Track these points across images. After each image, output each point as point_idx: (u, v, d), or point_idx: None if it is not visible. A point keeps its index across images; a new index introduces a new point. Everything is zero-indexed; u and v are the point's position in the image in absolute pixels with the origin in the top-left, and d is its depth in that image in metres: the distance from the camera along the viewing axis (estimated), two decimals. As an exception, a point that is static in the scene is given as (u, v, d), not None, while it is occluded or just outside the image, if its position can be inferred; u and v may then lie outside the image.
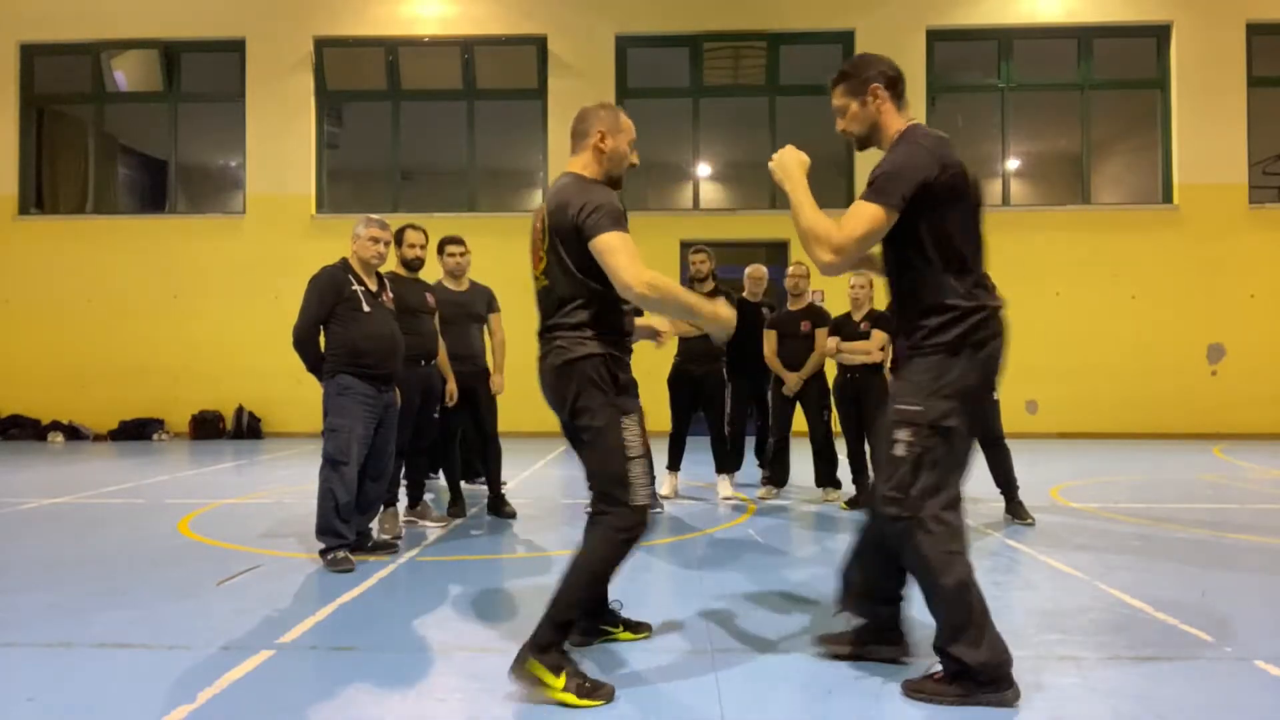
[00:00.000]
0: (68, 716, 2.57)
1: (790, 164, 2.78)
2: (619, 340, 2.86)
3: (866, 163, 2.84)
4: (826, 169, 13.20)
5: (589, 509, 2.84)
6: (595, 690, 2.63)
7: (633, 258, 2.68)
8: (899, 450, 2.61)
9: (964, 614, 2.58)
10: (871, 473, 5.76)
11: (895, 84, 2.74)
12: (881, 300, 6.45)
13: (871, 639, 2.95)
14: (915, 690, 2.64)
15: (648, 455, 2.81)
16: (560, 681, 2.60)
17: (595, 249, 2.71)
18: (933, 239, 2.62)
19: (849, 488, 6.49)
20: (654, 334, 3.44)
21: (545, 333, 2.88)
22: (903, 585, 2.88)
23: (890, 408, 2.68)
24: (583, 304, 2.79)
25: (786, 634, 3.32)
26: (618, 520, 2.73)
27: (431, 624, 3.48)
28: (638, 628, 3.27)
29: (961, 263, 2.66)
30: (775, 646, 3.18)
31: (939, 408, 2.58)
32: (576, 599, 2.71)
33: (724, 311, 2.89)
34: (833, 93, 2.79)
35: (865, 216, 2.55)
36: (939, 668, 2.67)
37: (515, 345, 7.04)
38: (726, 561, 4.56)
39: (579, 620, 2.84)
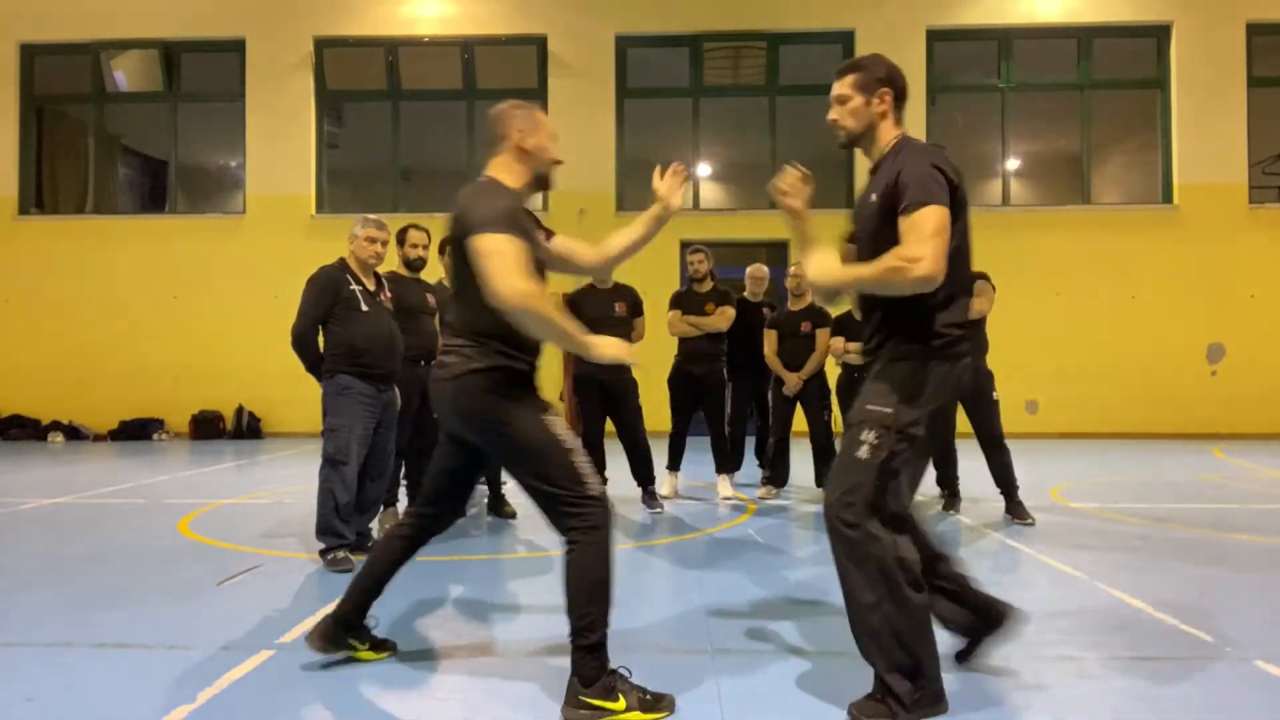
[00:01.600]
0: (68, 716, 2.57)
1: (829, 268, 2.61)
2: (522, 348, 2.72)
3: (867, 166, 2.79)
4: (826, 169, 13.21)
5: None
6: (659, 701, 2.59)
7: (511, 267, 2.53)
8: (862, 452, 2.52)
9: (915, 620, 2.49)
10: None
11: (902, 95, 2.71)
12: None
13: (978, 626, 2.86)
14: (862, 714, 2.51)
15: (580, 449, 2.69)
16: (621, 704, 2.54)
17: (472, 249, 2.58)
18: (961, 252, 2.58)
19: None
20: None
21: (449, 344, 2.75)
22: (953, 565, 2.82)
23: (859, 408, 2.60)
24: (481, 311, 2.63)
25: (786, 634, 3.32)
26: (589, 518, 2.60)
27: (431, 624, 3.48)
28: (381, 646, 3.06)
29: (954, 279, 2.56)
30: (775, 647, 3.18)
31: (910, 414, 2.52)
32: (592, 619, 2.57)
33: (602, 348, 2.68)
34: (840, 80, 2.71)
35: (924, 225, 2.43)
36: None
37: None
38: (726, 561, 4.56)
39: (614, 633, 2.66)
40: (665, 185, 3.01)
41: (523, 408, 2.68)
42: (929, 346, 2.57)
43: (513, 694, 2.73)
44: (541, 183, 2.89)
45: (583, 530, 2.60)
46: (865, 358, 2.76)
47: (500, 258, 2.54)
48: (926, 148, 2.61)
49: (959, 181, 2.55)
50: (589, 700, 2.54)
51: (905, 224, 2.48)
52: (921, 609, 2.53)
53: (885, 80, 2.68)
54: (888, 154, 2.67)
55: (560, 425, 2.69)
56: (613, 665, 2.61)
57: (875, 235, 2.59)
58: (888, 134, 2.69)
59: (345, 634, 2.96)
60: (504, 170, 2.82)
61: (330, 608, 3.01)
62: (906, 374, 2.57)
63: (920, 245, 2.42)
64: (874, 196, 2.62)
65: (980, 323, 5.76)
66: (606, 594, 2.61)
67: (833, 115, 2.73)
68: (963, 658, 2.93)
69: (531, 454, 2.64)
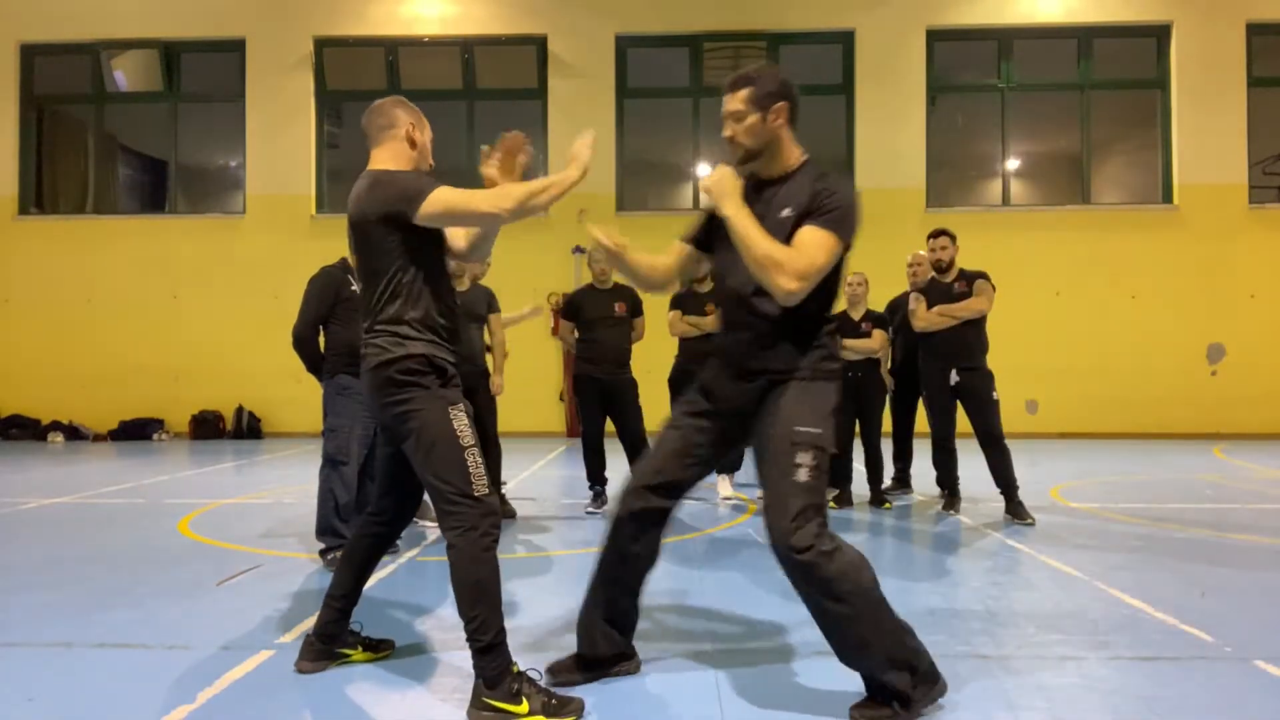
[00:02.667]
0: (68, 716, 2.57)
1: (728, 186, 2.61)
2: (440, 333, 2.74)
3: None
4: (829, 169, 13.17)
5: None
6: (564, 705, 2.53)
7: (473, 193, 2.62)
8: (802, 476, 2.48)
9: (890, 618, 2.49)
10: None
11: (795, 109, 2.67)
12: (876, 300, 6.50)
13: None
14: (865, 717, 2.49)
15: (479, 447, 2.69)
16: (524, 707, 2.49)
17: (430, 214, 2.62)
18: (831, 276, 2.59)
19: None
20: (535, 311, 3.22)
21: (365, 336, 2.76)
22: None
23: (787, 430, 2.53)
24: (393, 300, 2.69)
25: (786, 634, 3.32)
26: (465, 519, 2.58)
27: (431, 624, 3.48)
28: (378, 646, 3.06)
29: (831, 301, 2.67)
30: (775, 647, 3.18)
31: (831, 432, 2.56)
32: (481, 620, 2.54)
33: (574, 168, 2.67)
34: (732, 94, 2.63)
35: (827, 247, 2.49)
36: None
37: (515, 346, 7.03)
38: (726, 561, 4.56)
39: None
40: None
41: (430, 399, 2.66)
42: (833, 367, 2.64)
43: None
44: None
45: (459, 531, 2.59)
46: (750, 377, 2.65)
47: (461, 196, 2.62)
48: (847, 181, 2.64)
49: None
50: (492, 703, 2.51)
51: (810, 235, 2.51)
52: (887, 605, 2.52)
53: (779, 94, 2.62)
54: (796, 171, 2.64)
55: (463, 421, 2.68)
56: (522, 667, 2.61)
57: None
58: (792, 152, 2.66)
59: (331, 646, 2.95)
60: (392, 160, 2.85)
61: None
62: (827, 392, 2.60)
63: (809, 264, 2.48)
64: (787, 211, 2.57)
65: (980, 322, 5.77)
66: (491, 595, 2.57)
67: (727, 132, 2.66)
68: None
69: (428, 445, 2.63)
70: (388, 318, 2.71)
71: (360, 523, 3.03)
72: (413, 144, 2.87)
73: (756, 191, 2.66)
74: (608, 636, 2.82)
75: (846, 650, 2.53)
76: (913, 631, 2.56)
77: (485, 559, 2.58)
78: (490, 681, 2.53)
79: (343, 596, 2.94)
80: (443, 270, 2.84)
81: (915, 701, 2.49)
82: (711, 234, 2.75)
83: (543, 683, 2.66)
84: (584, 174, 2.72)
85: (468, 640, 2.57)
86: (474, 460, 2.63)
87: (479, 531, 2.59)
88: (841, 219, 2.53)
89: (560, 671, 2.79)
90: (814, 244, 2.50)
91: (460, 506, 2.60)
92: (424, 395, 2.66)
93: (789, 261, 2.47)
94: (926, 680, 2.53)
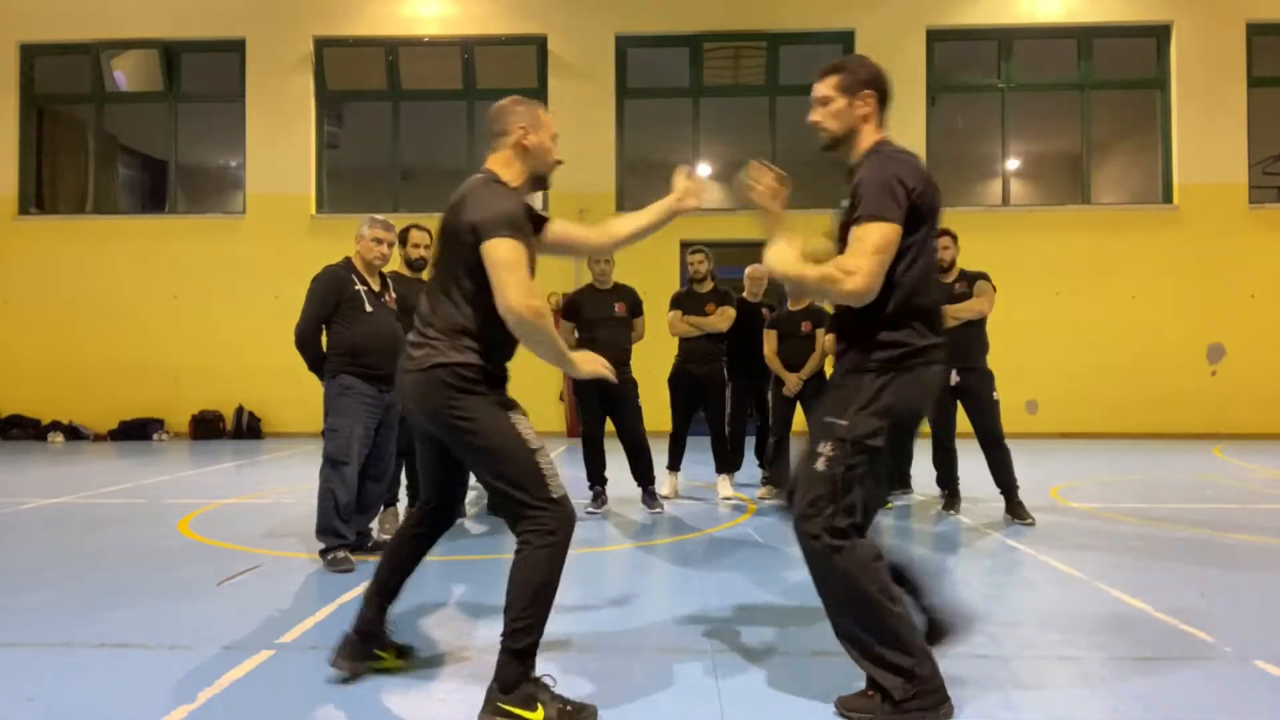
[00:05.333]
0: (68, 716, 2.57)
1: (783, 258, 2.58)
2: (497, 349, 2.67)
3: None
4: (829, 169, 13.20)
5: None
6: (579, 713, 2.50)
7: (524, 279, 2.54)
8: (820, 465, 2.50)
9: (894, 625, 2.47)
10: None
11: (885, 99, 2.66)
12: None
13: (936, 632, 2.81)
14: (848, 709, 2.53)
15: (546, 449, 2.65)
16: (539, 714, 2.45)
17: (487, 256, 2.54)
18: (900, 258, 2.49)
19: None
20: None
21: (419, 335, 2.70)
22: (910, 572, 2.79)
23: (818, 420, 2.57)
24: (458, 306, 2.64)
25: (786, 634, 3.32)
26: (546, 522, 2.54)
27: (431, 624, 3.48)
28: (403, 652, 3.02)
29: (913, 289, 2.53)
30: (775, 647, 3.18)
31: (868, 425, 2.49)
32: (529, 623, 2.50)
33: (586, 365, 2.73)
34: (822, 80, 2.64)
35: (871, 237, 2.42)
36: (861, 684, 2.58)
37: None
38: (726, 561, 4.55)
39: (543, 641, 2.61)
40: (688, 185, 2.92)
41: (487, 404, 2.61)
42: (885, 359, 2.53)
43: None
44: (539, 182, 2.84)
45: (538, 533, 2.54)
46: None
47: (516, 269, 2.53)
48: (894, 156, 2.55)
49: (925, 190, 2.50)
50: (507, 708, 2.46)
51: (852, 234, 2.49)
52: (897, 612, 2.49)
53: (869, 82, 2.61)
54: (862, 159, 2.61)
55: (525, 425, 2.63)
56: (538, 673, 2.55)
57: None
58: (868, 138, 2.63)
59: (369, 646, 2.89)
60: (504, 166, 2.77)
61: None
62: (863, 385, 2.53)
63: (859, 259, 2.43)
64: (847, 201, 2.60)
65: (980, 323, 5.77)
66: (548, 600, 2.55)
67: (814, 116, 2.66)
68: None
69: (494, 453, 2.58)
70: (449, 325, 2.64)
71: (412, 517, 2.95)
72: (524, 150, 2.77)
73: (848, 179, 2.65)
74: None
75: (840, 637, 2.57)
76: (927, 655, 2.51)
77: (556, 563, 2.54)
78: (506, 686, 2.48)
79: (387, 594, 2.89)
80: None
81: (901, 708, 2.46)
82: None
83: (555, 689, 2.59)
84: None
85: (505, 638, 2.50)
86: (546, 462, 2.59)
87: (559, 536, 2.54)
88: (874, 202, 2.45)
89: None
90: (858, 238, 2.47)
91: (539, 510, 2.54)
92: (479, 401, 2.60)
93: (838, 266, 2.45)
94: (926, 694, 2.48)
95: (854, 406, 2.51)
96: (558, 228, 2.93)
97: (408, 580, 2.93)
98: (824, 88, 2.64)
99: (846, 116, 2.62)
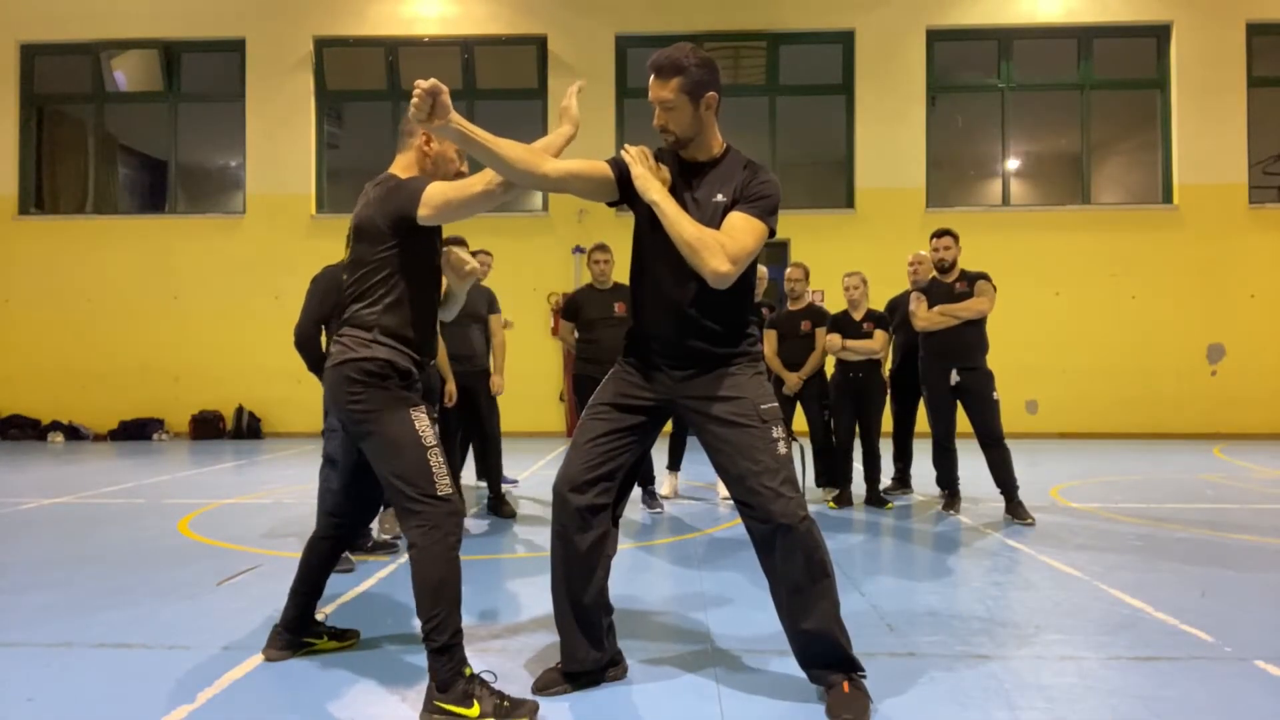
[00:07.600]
0: (68, 716, 2.57)
1: (657, 175, 2.63)
2: (410, 345, 2.76)
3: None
4: (828, 169, 13.21)
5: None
6: (517, 708, 2.52)
7: (463, 183, 2.67)
8: (781, 449, 2.60)
9: (836, 604, 2.62)
10: (860, 469, 5.76)
11: (720, 98, 2.65)
12: (876, 299, 6.50)
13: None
14: (847, 712, 2.49)
15: (441, 447, 2.71)
16: (475, 710, 2.48)
17: (427, 209, 2.66)
18: (750, 266, 2.65)
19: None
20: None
21: (336, 334, 2.81)
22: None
23: (754, 410, 2.61)
24: (372, 304, 2.74)
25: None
26: (430, 518, 2.59)
27: (431, 624, 3.47)
28: (343, 635, 3.16)
29: (752, 290, 2.79)
30: (775, 647, 3.18)
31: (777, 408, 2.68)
32: (438, 621, 2.54)
33: (567, 124, 2.93)
34: (663, 83, 2.57)
35: (757, 233, 2.56)
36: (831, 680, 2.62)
37: (515, 346, 7.04)
38: (726, 561, 4.55)
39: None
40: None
41: (390, 400, 2.68)
42: (757, 350, 2.77)
43: (513, 693, 2.72)
44: None
45: (423, 530, 2.60)
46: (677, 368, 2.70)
47: (454, 187, 2.67)
48: (767, 169, 2.71)
49: None
50: (444, 706, 2.50)
51: (741, 220, 2.56)
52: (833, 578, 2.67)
53: (710, 83, 2.60)
54: (721, 158, 2.68)
55: (424, 422, 2.70)
56: (476, 670, 2.61)
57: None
58: (715, 140, 2.69)
59: (297, 635, 3.06)
60: (404, 170, 2.89)
61: (325, 615, 3.01)
62: (760, 374, 2.71)
63: (740, 248, 2.53)
64: (720, 196, 2.62)
65: (980, 323, 5.77)
66: (451, 596, 2.58)
67: (660, 121, 2.63)
68: None
69: (389, 448, 2.65)
70: (359, 321, 2.75)
71: (321, 525, 3.12)
72: (425, 155, 2.89)
73: (684, 174, 2.69)
74: (584, 646, 2.76)
75: (824, 625, 2.58)
76: None
77: (448, 558, 2.60)
78: (442, 684, 2.54)
79: (306, 592, 3.05)
80: (428, 286, 2.85)
81: (863, 678, 2.62)
82: (635, 195, 2.66)
83: (495, 684, 2.61)
84: (577, 128, 2.88)
85: (424, 640, 2.58)
86: (436, 460, 2.65)
87: (442, 531, 2.61)
88: (772, 209, 2.62)
89: (547, 686, 2.75)
90: (745, 229, 2.55)
91: (423, 506, 2.61)
92: (383, 396, 2.68)
93: (720, 245, 2.52)
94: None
95: (768, 392, 2.67)
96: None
97: (326, 578, 3.11)
98: (665, 91, 2.58)
99: (694, 122, 2.62)
